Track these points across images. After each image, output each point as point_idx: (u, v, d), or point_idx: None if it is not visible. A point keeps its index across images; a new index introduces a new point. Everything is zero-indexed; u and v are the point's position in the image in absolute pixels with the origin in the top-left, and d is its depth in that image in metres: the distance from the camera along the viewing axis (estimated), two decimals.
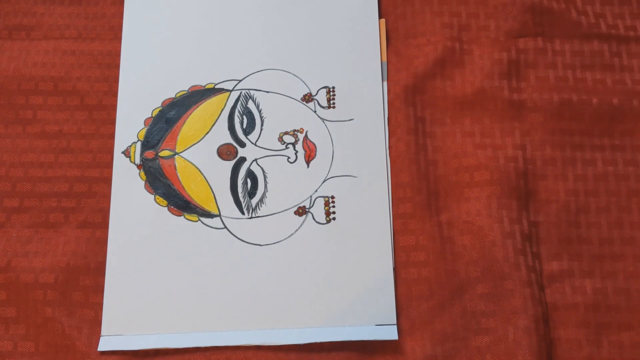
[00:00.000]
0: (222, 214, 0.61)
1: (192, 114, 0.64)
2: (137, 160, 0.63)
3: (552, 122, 0.63)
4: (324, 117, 0.64)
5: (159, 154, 0.63)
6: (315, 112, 0.64)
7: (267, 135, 0.63)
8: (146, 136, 0.63)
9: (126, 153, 0.63)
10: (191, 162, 0.62)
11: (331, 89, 0.64)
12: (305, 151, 0.63)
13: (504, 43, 0.65)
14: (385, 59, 0.65)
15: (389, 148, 0.62)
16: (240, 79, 0.65)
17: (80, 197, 0.62)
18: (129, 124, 0.63)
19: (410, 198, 0.61)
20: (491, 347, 0.56)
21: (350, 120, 0.64)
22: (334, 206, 0.61)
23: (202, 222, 0.61)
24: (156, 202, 0.61)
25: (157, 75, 0.65)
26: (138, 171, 0.62)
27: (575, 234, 0.60)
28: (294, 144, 0.63)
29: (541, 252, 0.60)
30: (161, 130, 0.63)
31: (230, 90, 0.64)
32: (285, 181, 0.62)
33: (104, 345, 0.57)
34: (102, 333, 0.58)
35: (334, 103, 0.64)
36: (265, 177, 0.62)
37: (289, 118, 0.64)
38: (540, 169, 0.62)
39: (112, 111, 0.64)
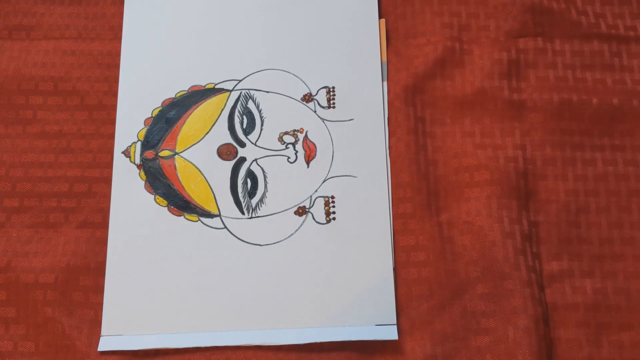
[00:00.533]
0: (222, 214, 0.61)
1: (192, 114, 0.64)
2: (137, 160, 0.63)
3: (552, 122, 0.63)
4: (324, 117, 0.64)
5: (159, 154, 0.63)
6: (315, 112, 0.64)
7: (267, 135, 0.63)
8: (146, 136, 0.63)
9: (126, 153, 0.63)
10: (191, 162, 0.62)
11: (331, 89, 0.64)
12: (305, 151, 0.63)
13: (504, 43, 0.65)
14: (385, 59, 0.65)
15: (389, 148, 0.62)
16: (240, 79, 0.65)
17: (80, 197, 0.62)
18: (129, 124, 0.63)
19: (410, 198, 0.61)
20: (491, 347, 0.56)
21: (350, 120, 0.64)
22: (334, 206, 0.61)
23: (202, 222, 0.61)
24: (156, 202, 0.61)
25: (157, 75, 0.65)
26: (138, 171, 0.62)
27: (575, 234, 0.60)
28: (294, 144, 0.63)
29: (541, 252, 0.60)
30: (161, 130, 0.63)
31: (230, 90, 0.64)
32: (285, 181, 0.62)
33: (104, 345, 0.58)
34: (102, 333, 0.58)
35: (334, 103, 0.64)
36: (265, 177, 0.62)
37: (289, 118, 0.64)
38: (540, 169, 0.62)
39: (112, 111, 0.64)
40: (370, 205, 0.61)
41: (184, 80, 0.65)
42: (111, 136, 0.63)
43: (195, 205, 0.61)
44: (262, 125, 0.63)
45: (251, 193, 0.62)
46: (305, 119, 0.64)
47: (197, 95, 0.64)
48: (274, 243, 0.60)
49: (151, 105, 0.64)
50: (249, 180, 0.62)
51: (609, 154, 0.63)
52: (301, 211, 0.61)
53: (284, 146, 0.63)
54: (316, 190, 0.62)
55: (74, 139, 0.63)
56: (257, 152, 0.63)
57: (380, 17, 0.66)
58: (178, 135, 0.63)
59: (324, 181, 0.62)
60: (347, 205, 0.61)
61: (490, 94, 0.64)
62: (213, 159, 0.62)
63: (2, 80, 0.64)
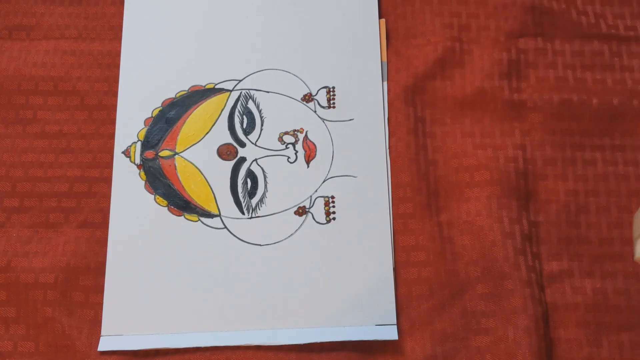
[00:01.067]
0: (222, 214, 0.61)
1: (192, 114, 0.64)
2: (137, 160, 0.63)
3: (552, 122, 0.63)
4: (324, 117, 0.64)
5: (159, 154, 0.63)
6: (315, 112, 0.64)
7: (267, 135, 0.63)
8: (146, 136, 0.63)
9: (126, 153, 0.63)
10: (191, 162, 0.62)
11: (331, 89, 0.64)
12: (305, 151, 0.63)
13: (504, 43, 0.65)
14: (385, 59, 0.65)
15: (389, 148, 0.62)
16: (240, 79, 0.65)
17: (80, 197, 0.62)
18: (129, 124, 0.63)
19: (410, 198, 0.61)
20: (491, 347, 0.56)
21: (350, 120, 0.64)
22: (334, 206, 0.61)
23: (202, 222, 0.61)
24: (156, 202, 0.61)
25: (157, 75, 0.65)
26: (138, 171, 0.62)
27: (575, 234, 0.60)
28: (294, 144, 0.63)
29: (541, 252, 0.60)
30: (161, 130, 0.63)
31: (231, 90, 0.64)
32: (285, 181, 0.62)
33: (104, 345, 0.57)
34: (102, 333, 0.58)
35: (334, 103, 0.64)
36: (265, 177, 0.62)
37: (289, 118, 0.64)
38: (541, 169, 0.62)
39: (112, 111, 0.64)
40: (370, 205, 0.61)
41: (184, 80, 0.65)
42: (111, 136, 0.63)
43: (195, 205, 0.61)
44: (262, 125, 0.63)
45: (251, 193, 0.62)
46: (305, 119, 0.64)
47: (197, 95, 0.64)
48: (274, 243, 0.60)
49: (151, 105, 0.64)
50: (249, 180, 0.62)
51: (609, 154, 0.63)
52: (301, 211, 0.61)
53: (284, 146, 0.63)
54: (316, 190, 0.62)
55: (74, 139, 0.63)
56: (257, 152, 0.63)
57: (380, 17, 0.66)
58: (178, 135, 0.63)
59: (324, 181, 0.62)
60: (347, 205, 0.61)
61: (490, 94, 0.63)
62: (213, 159, 0.62)
63: (2, 80, 0.64)
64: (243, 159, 0.62)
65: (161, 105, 0.64)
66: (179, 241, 0.60)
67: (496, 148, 0.62)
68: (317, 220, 0.61)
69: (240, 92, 0.64)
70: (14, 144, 0.63)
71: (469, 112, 0.64)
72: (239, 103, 0.64)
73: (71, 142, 0.63)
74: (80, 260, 0.60)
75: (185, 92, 0.64)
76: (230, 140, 0.63)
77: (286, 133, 0.63)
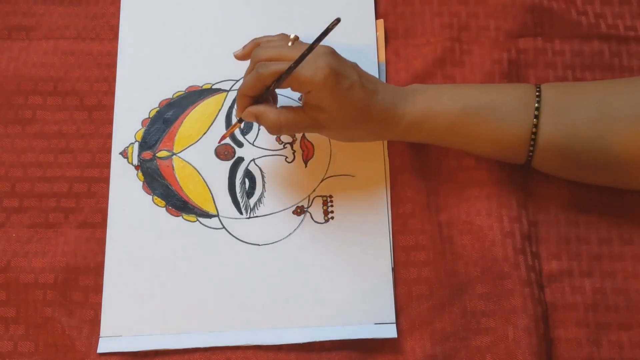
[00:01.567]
0: (220, 214, 0.61)
1: (190, 115, 0.64)
2: (135, 161, 0.63)
3: None
4: None
5: (157, 154, 0.63)
6: None
7: (265, 135, 0.63)
8: (144, 137, 0.63)
9: (124, 154, 0.63)
10: (189, 163, 0.62)
11: None
12: (303, 151, 0.63)
13: (503, 43, 0.65)
14: (384, 59, 0.65)
15: (387, 148, 0.62)
16: (237, 79, 0.65)
17: (79, 197, 0.62)
18: (126, 125, 0.64)
19: (410, 198, 0.61)
20: (491, 347, 0.56)
21: None
22: (332, 206, 0.61)
23: (201, 222, 0.61)
24: (154, 202, 0.61)
25: (154, 76, 0.65)
26: (136, 172, 0.62)
27: (574, 233, 0.60)
28: (291, 144, 0.63)
29: (541, 252, 0.60)
30: (159, 130, 0.63)
31: (228, 91, 0.64)
32: (283, 181, 0.62)
33: (103, 346, 0.58)
34: (101, 334, 0.58)
35: None
36: (263, 177, 0.62)
37: None
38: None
39: (111, 111, 0.64)
40: (368, 205, 0.61)
41: (181, 81, 0.65)
42: (110, 136, 0.63)
43: (193, 206, 0.61)
44: (259, 125, 0.63)
45: (249, 193, 0.62)
46: None
47: (195, 96, 0.64)
48: (273, 243, 0.60)
49: (148, 105, 0.64)
50: (247, 180, 0.62)
51: None
52: (299, 211, 0.61)
53: (281, 146, 0.63)
54: (314, 190, 0.62)
55: (73, 139, 0.63)
56: (255, 152, 0.63)
57: (379, 17, 0.66)
58: (175, 135, 0.63)
59: (322, 181, 0.62)
60: (345, 205, 0.61)
61: None
62: (211, 159, 0.62)
63: (1, 80, 0.64)
64: (241, 159, 0.63)
65: (158, 106, 0.64)
66: (177, 242, 0.60)
67: None
68: (315, 219, 0.61)
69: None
70: (13, 144, 0.63)
71: None
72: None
73: (70, 142, 0.63)
74: (80, 260, 0.60)
75: (182, 92, 0.64)
76: (228, 140, 0.63)
77: None
